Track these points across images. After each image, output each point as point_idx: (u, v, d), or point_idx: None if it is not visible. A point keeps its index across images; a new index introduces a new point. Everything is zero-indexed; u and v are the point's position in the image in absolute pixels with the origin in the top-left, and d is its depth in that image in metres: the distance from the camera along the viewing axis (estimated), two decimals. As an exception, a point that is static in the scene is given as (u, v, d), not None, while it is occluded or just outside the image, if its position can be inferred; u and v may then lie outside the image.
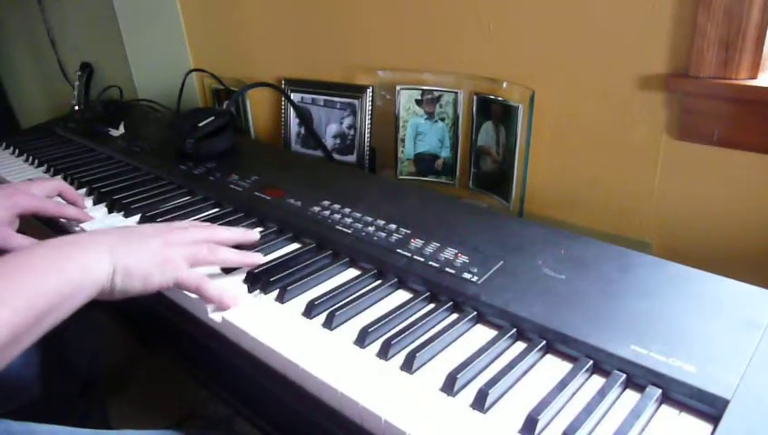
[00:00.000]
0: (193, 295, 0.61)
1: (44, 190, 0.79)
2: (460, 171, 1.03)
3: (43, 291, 0.50)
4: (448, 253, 0.64)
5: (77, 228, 0.80)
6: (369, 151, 1.11)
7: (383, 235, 0.69)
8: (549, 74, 0.87)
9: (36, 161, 1.08)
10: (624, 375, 0.48)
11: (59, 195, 0.82)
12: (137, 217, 0.81)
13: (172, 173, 0.94)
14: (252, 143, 1.27)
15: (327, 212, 0.76)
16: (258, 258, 0.67)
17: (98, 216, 0.83)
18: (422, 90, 1.02)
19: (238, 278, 0.65)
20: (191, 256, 0.61)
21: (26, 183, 0.80)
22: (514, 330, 0.55)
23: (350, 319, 0.58)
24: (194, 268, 0.62)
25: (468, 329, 0.57)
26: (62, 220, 0.81)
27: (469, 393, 0.47)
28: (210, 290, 0.59)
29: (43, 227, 0.84)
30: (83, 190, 0.92)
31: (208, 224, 0.71)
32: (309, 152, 1.20)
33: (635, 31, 0.78)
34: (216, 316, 0.59)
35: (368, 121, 1.10)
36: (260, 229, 0.76)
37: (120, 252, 0.57)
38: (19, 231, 0.74)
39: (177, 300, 0.64)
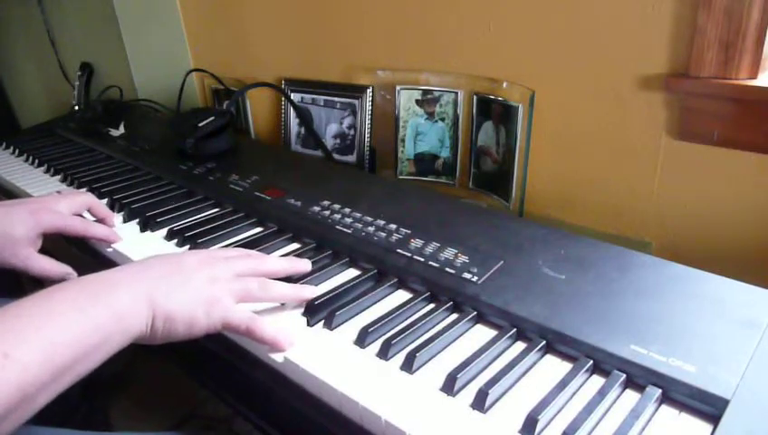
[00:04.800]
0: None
1: (72, 206, 0.72)
2: (460, 171, 1.03)
3: (64, 342, 0.43)
4: (448, 253, 0.64)
5: (108, 249, 0.73)
6: (369, 151, 1.11)
7: (383, 235, 0.69)
8: (549, 74, 0.87)
9: (36, 161, 1.08)
10: (624, 375, 0.48)
11: (88, 210, 0.76)
12: (137, 218, 0.81)
13: (172, 173, 0.94)
14: (252, 143, 1.27)
15: (327, 212, 0.76)
16: (312, 292, 0.60)
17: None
18: (422, 90, 1.02)
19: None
20: (239, 293, 0.54)
21: (53, 197, 0.73)
22: (514, 330, 0.55)
23: (349, 319, 0.58)
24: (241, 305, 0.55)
25: (468, 329, 0.57)
26: (91, 240, 0.74)
27: (469, 393, 0.47)
28: (262, 332, 0.53)
29: (70, 246, 0.78)
30: (83, 190, 0.91)
31: (256, 253, 0.63)
32: (309, 152, 1.20)
33: (635, 31, 0.78)
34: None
35: (368, 121, 1.10)
36: (260, 229, 0.76)
37: (159, 293, 0.50)
38: (43, 251, 0.69)
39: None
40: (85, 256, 0.77)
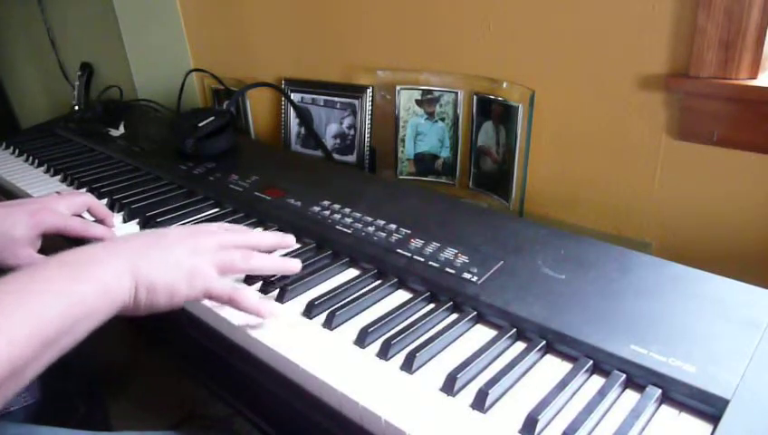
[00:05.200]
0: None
1: (71, 207, 0.73)
2: (460, 171, 1.03)
3: (49, 315, 0.44)
4: (448, 253, 0.64)
5: None
6: (369, 151, 1.11)
7: (383, 235, 0.69)
8: (549, 74, 0.87)
9: (36, 161, 1.08)
10: (624, 375, 0.48)
11: (88, 210, 0.76)
12: (137, 217, 0.81)
13: (172, 173, 0.94)
14: (252, 143, 1.27)
15: (327, 212, 0.76)
16: (296, 265, 0.61)
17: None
18: (422, 90, 1.02)
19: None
20: (221, 264, 0.55)
21: (53, 197, 0.74)
22: (514, 330, 0.54)
23: (349, 319, 0.58)
24: (225, 276, 0.56)
25: (468, 329, 0.57)
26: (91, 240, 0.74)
27: (469, 393, 0.47)
28: (245, 301, 0.54)
29: (69, 246, 0.80)
30: (83, 190, 0.91)
31: (240, 227, 0.65)
32: (309, 152, 1.20)
33: (635, 31, 0.78)
34: (215, 316, 0.59)
35: (368, 121, 1.10)
36: (260, 229, 0.76)
37: (141, 264, 0.51)
38: (42, 252, 0.68)
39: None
40: None
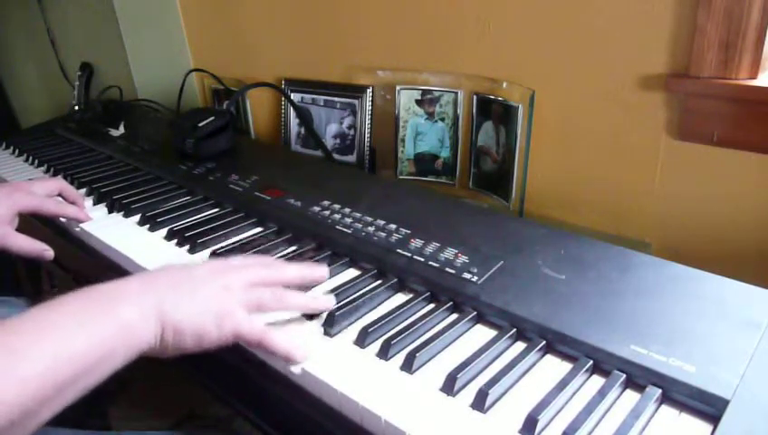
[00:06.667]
0: None
1: (45, 189, 0.78)
2: (460, 171, 1.03)
3: (67, 355, 0.41)
4: (448, 253, 0.64)
5: (77, 228, 0.79)
6: (369, 151, 1.11)
7: (383, 235, 0.69)
8: (549, 74, 0.87)
9: (36, 161, 1.08)
10: (624, 375, 0.48)
11: (59, 194, 0.81)
12: (137, 217, 0.81)
13: (172, 173, 0.94)
14: (252, 143, 1.27)
15: (327, 212, 0.75)
16: (330, 303, 0.58)
17: (98, 216, 0.83)
18: (422, 90, 1.02)
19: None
20: (251, 304, 0.52)
21: (27, 182, 0.80)
22: (514, 330, 0.54)
23: (349, 319, 0.58)
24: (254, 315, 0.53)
25: (468, 329, 0.57)
26: (62, 219, 0.81)
27: (469, 393, 0.47)
28: (275, 345, 0.51)
29: (42, 226, 0.84)
30: (83, 190, 0.92)
31: (271, 260, 0.61)
32: (309, 152, 1.20)
33: (635, 31, 0.78)
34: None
35: (368, 121, 1.10)
36: (260, 229, 0.76)
37: (167, 305, 0.48)
38: (18, 230, 0.73)
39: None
40: (58, 237, 0.83)
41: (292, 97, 1.20)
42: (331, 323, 0.56)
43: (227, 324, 0.50)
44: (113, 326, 0.45)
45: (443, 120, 1.02)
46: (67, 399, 0.42)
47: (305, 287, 0.62)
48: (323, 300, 0.58)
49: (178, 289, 0.50)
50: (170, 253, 0.73)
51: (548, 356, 0.53)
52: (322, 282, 0.62)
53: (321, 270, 0.61)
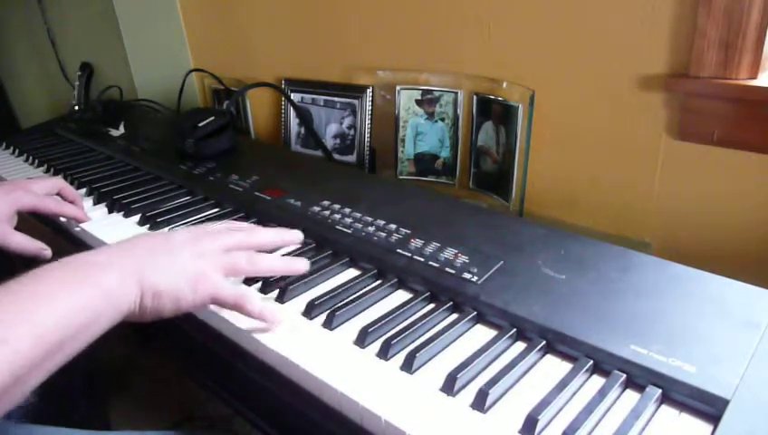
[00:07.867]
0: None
1: (44, 188, 0.78)
2: (460, 171, 1.03)
3: (53, 322, 0.43)
4: (448, 253, 0.64)
5: (76, 228, 0.79)
6: (369, 151, 1.11)
7: (383, 235, 0.69)
8: (549, 74, 0.87)
9: (36, 161, 1.08)
10: (624, 375, 0.48)
11: (58, 193, 0.81)
12: (137, 217, 0.81)
13: (172, 173, 0.94)
14: (252, 143, 1.27)
15: (327, 212, 0.76)
16: (303, 265, 0.60)
17: (98, 216, 0.83)
18: (422, 90, 1.02)
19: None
20: (227, 267, 0.55)
21: (26, 180, 0.80)
22: (514, 330, 0.54)
23: (349, 319, 0.58)
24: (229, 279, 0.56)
25: (468, 329, 0.56)
26: (61, 219, 0.81)
27: (469, 393, 0.47)
28: (250, 306, 0.53)
29: (41, 225, 0.84)
30: (83, 190, 0.92)
31: (245, 225, 0.64)
32: (309, 152, 1.20)
33: (635, 31, 0.78)
34: (215, 316, 0.59)
35: (368, 121, 1.10)
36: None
37: (146, 270, 0.50)
38: (17, 229, 0.73)
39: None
40: (57, 236, 0.83)
41: (292, 97, 1.20)
42: (331, 322, 0.56)
43: (204, 288, 0.52)
44: (96, 292, 0.47)
45: (443, 120, 1.02)
46: (55, 364, 0.44)
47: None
48: (297, 262, 0.60)
49: (156, 254, 0.52)
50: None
51: (548, 356, 0.53)
52: (297, 244, 0.65)
53: (294, 233, 0.63)
